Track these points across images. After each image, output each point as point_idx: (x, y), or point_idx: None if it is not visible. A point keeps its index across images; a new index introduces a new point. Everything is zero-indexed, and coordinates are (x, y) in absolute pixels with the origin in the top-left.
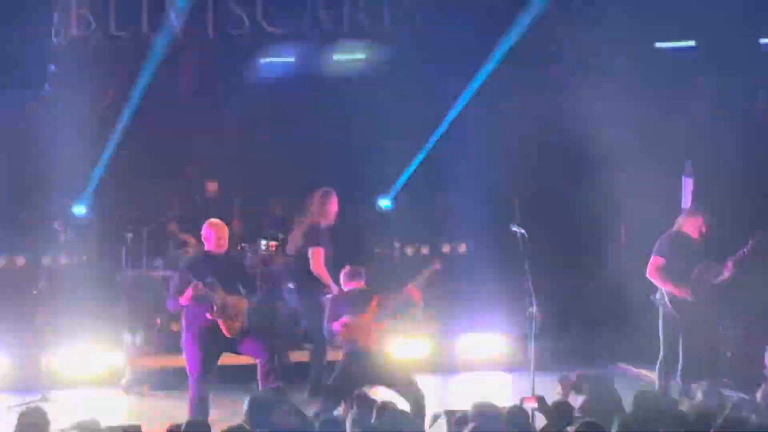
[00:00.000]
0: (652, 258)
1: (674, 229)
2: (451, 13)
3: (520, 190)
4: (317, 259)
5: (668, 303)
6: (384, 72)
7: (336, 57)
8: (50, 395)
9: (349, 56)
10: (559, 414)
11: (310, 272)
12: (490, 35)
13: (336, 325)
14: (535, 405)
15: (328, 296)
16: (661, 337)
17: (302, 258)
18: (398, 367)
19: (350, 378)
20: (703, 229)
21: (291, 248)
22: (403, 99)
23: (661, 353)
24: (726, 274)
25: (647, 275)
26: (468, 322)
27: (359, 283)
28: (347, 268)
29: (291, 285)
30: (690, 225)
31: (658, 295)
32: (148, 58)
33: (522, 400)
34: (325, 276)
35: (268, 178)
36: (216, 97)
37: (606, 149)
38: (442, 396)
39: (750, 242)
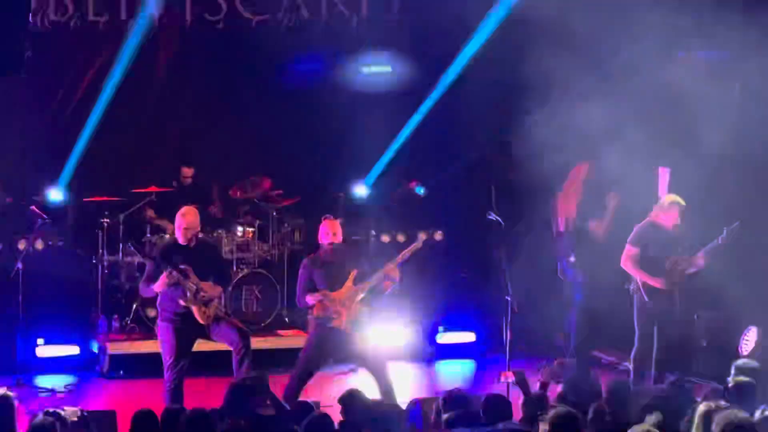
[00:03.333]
0: (626, 247)
1: (649, 219)
2: (428, 5)
3: (498, 177)
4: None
5: (642, 292)
6: (361, 60)
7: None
8: (24, 380)
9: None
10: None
11: None
12: (466, 24)
13: (310, 299)
14: (513, 379)
15: (304, 260)
16: (636, 326)
17: None
18: (371, 351)
19: (320, 355)
20: (678, 221)
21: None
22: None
23: (636, 342)
24: (700, 264)
25: (621, 264)
26: (443, 309)
27: (338, 238)
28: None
29: None
30: (665, 215)
31: (632, 285)
32: (125, 43)
33: (500, 375)
34: None
35: (245, 165)
36: (194, 83)
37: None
38: (418, 384)
39: (724, 232)
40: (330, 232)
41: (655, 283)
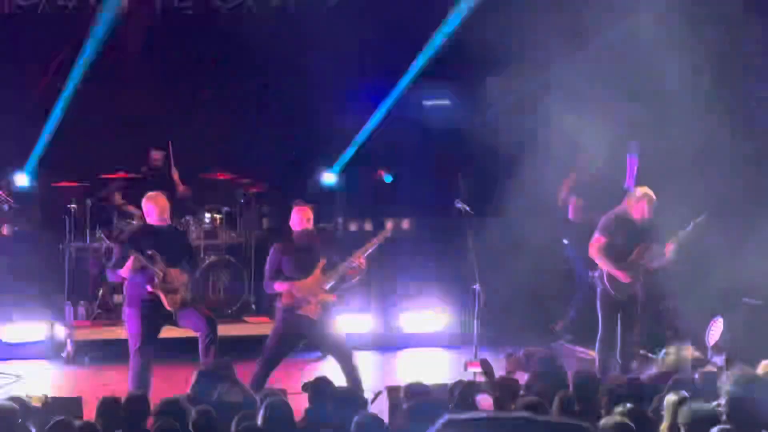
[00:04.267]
0: (594, 236)
1: (619, 208)
2: None
3: (465, 166)
4: None
5: (606, 282)
6: (330, 46)
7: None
8: None
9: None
10: (504, 390)
11: None
12: (436, 12)
13: (278, 287)
14: (479, 369)
15: (275, 245)
16: (600, 315)
17: None
18: (337, 339)
19: (287, 342)
20: (647, 213)
21: None
22: (349, 72)
23: (600, 331)
24: (667, 256)
25: (589, 254)
26: (411, 299)
27: (311, 224)
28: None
29: None
30: (635, 206)
31: (597, 273)
32: (94, 28)
33: (466, 364)
34: None
35: (216, 150)
36: (163, 69)
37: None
38: (384, 373)
39: (691, 224)
40: (304, 218)
41: (621, 275)
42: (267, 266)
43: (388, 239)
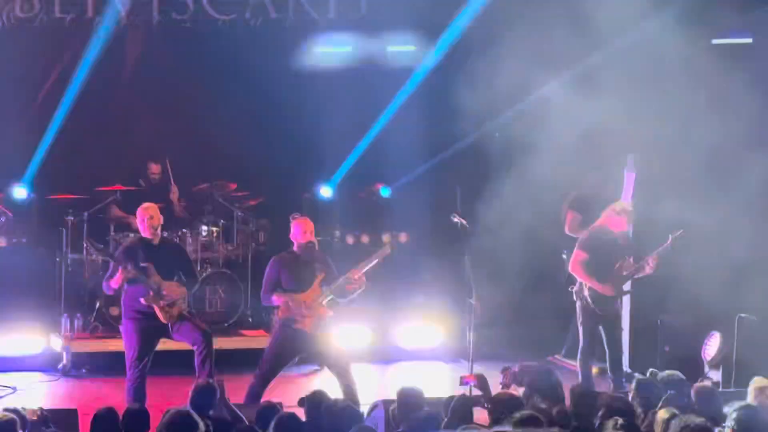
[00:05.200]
0: (574, 252)
1: (598, 223)
2: (395, 5)
3: (462, 180)
4: None
5: (587, 297)
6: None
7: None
8: None
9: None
10: (500, 404)
11: None
12: (433, 26)
13: (276, 299)
14: (475, 382)
15: (274, 257)
16: (580, 328)
17: None
18: (334, 352)
19: (284, 355)
20: (626, 227)
21: None
22: (346, 88)
23: (581, 344)
24: (647, 270)
25: (569, 270)
26: (408, 312)
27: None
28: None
29: None
30: (614, 221)
31: (576, 287)
32: (92, 41)
33: (461, 378)
34: None
35: (212, 163)
36: (161, 82)
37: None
38: (380, 385)
39: (670, 238)
40: (306, 230)
41: (604, 290)
42: (265, 278)
43: (387, 257)
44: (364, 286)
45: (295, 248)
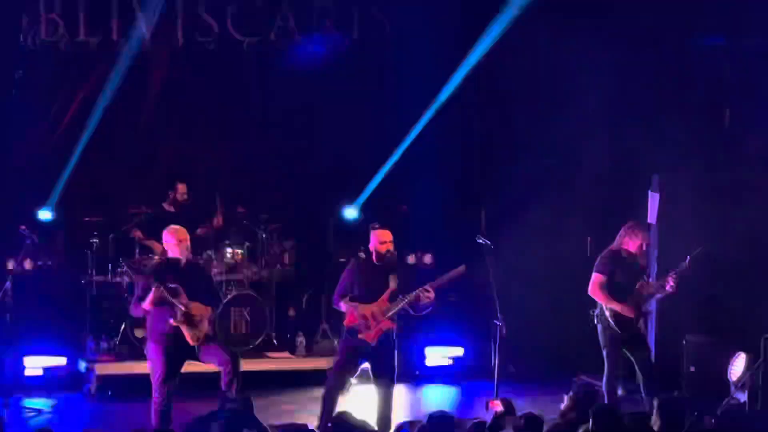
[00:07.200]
0: (593, 275)
1: (614, 245)
2: (419, 26)
3: (488, 201)
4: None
5: (610, 319)
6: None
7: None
8: (12, 401)
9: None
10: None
11: None
12: (457, 49)
13: (343, 306)
14: (501, 409)
15: (351, 263)
16: (604, 352)
17: None
18: (388, 370)
19: (349, 365)
20: (644, 246)
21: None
22: (370, 107)
23: (606, 368)
24: (668, 289)
25: (589, 292)
26: (433, 333)
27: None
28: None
29: None
30: (630, 241)
31: (597, 311)
32: (116, 63)
33: (487, 404)
34: None
35: (237, 184)
36: (185, 105)
37: (574, 163)
38: (405, 406)
39: (688, 258)
40: (387, 240)
41: (627, 312)
42: (339, 283)
43: (460, 275)
44: (435, 303)
45: (373, 258)
